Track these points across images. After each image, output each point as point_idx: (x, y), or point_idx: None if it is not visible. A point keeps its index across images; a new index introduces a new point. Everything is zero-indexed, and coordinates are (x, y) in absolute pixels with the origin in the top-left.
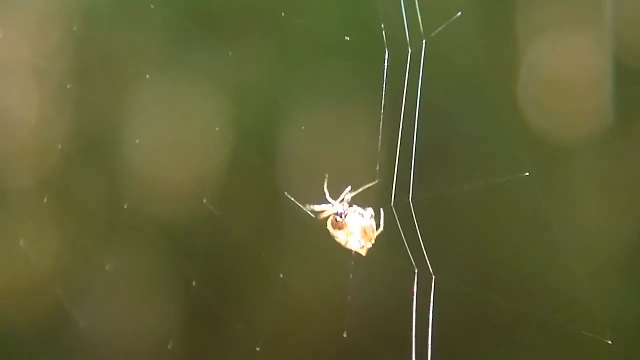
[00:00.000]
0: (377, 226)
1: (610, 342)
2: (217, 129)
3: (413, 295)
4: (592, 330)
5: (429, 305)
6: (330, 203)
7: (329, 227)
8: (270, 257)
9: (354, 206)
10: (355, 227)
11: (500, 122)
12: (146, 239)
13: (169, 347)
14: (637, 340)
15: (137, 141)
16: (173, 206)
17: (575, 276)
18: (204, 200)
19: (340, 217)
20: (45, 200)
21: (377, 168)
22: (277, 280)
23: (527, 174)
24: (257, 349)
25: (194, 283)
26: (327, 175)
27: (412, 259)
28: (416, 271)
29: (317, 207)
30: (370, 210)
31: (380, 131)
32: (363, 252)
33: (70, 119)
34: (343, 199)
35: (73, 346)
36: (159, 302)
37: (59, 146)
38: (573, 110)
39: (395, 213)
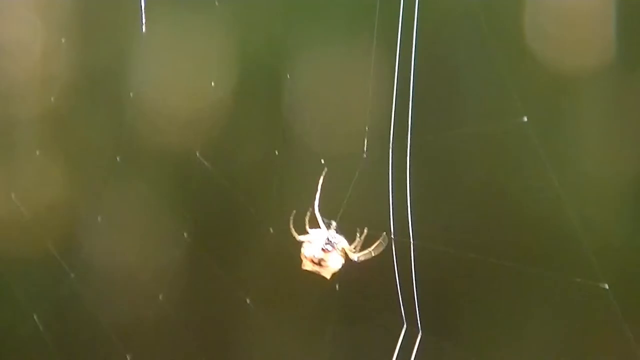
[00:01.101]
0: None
1: (607, 287)
2: (212, 83)
3: (393, 256)
4: (587, 276)
5: (411, 267)
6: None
7: (314, 251)
8: (261, 212)
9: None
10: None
11: (499, 64)
12: (138, 192)
13: (160, 298)
14: (634, 283)
15: (131, 94)
16: (166, 159)
17: (570, 223)
18: (197, 154)
19: (331, 245)
20: (37, 153)
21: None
22: (267, 234)
23: (525, 119)
24: (247, 300)
25: (185, 235)
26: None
27: (392, 224)
28: (393, 237)
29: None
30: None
31: (372, 77)
32: (329, 275)
33: (63, 72)
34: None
35: (65, 298)
36: (150, 254)
37: (52, 99)
38: (574, 47)
39: (391, 157)
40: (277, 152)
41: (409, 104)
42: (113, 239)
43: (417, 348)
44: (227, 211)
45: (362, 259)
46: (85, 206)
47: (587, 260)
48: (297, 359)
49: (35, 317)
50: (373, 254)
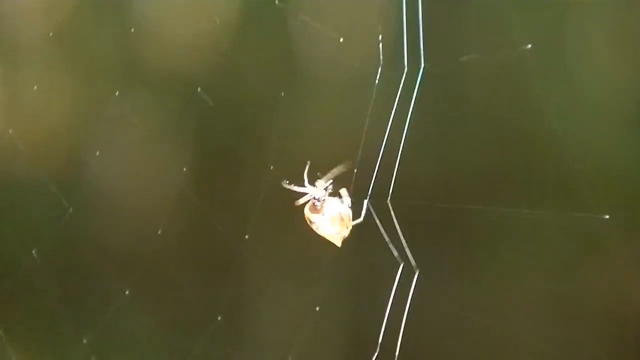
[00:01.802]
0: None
1: (607, 217)
2: (217, 21)
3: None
4: (586, 209)
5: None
6: (309, 187)
7: (307, 212)
8: (262, 149)
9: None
10: (334, 213)
11: None
12: (138, 127)
13: (159, 233)
14: (634, 210)
15: (132, 30)
16: (167, 94)
17: (572, 154)
18: (199, 89)
19: (319, 201)
20: (35, 88)
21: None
22: (267, 171)
23: (529, 46)
24: (246, 236)
25: (185, 169)
26: (308, 163)
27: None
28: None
29: (297, 189)
30: (348, 200)
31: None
32: (338, 242)
33: (62, 7)
34: (325, 186)
35: (63, 233)
36: (150, 189)
37: (50, 34)
38: None
39: (403, 82)
40: (282, 94)
41: (419, 31)
42: (111, 173)
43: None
44: (228, 147)
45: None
46: (83, 141)
47: (588, 192)
48: (295, 294)
49: (34, 252)
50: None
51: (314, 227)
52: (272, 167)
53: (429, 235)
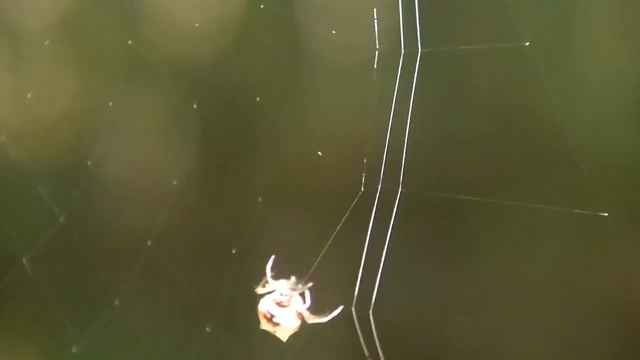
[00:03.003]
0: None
1: (606, 215)
2: (196, 25)
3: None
4: (586, 207)
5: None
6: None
7: (271, 307)
8: (251, 179)
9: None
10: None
11: None
12: (129, 137)
13: (149, 244)
14: (633, 208)
15: (130, 42)
16: (161, 109)
17: (571, 151)
18: (195, 106)
19: (285, 296)
20: (29, 96)
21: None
22: (255, 203)
23: (527, 43)
24: (233, 250)
25: (174, 182)
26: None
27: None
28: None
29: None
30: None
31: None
32: (285, 338)
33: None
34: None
35: (54, 242)
36: (139, 200)
37: (46, 43)
38: None
39: (400, 71)
40: (257, 99)
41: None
42: (103, 183)
43: None
44: (224, 155)
45: (312, 321)
46: (75, 150)
47: (588, 189)
48: None
49: (24, 260)
50: (324, 321)
51: (269, 320)
52: (260, 199)
53: (431, 226)
